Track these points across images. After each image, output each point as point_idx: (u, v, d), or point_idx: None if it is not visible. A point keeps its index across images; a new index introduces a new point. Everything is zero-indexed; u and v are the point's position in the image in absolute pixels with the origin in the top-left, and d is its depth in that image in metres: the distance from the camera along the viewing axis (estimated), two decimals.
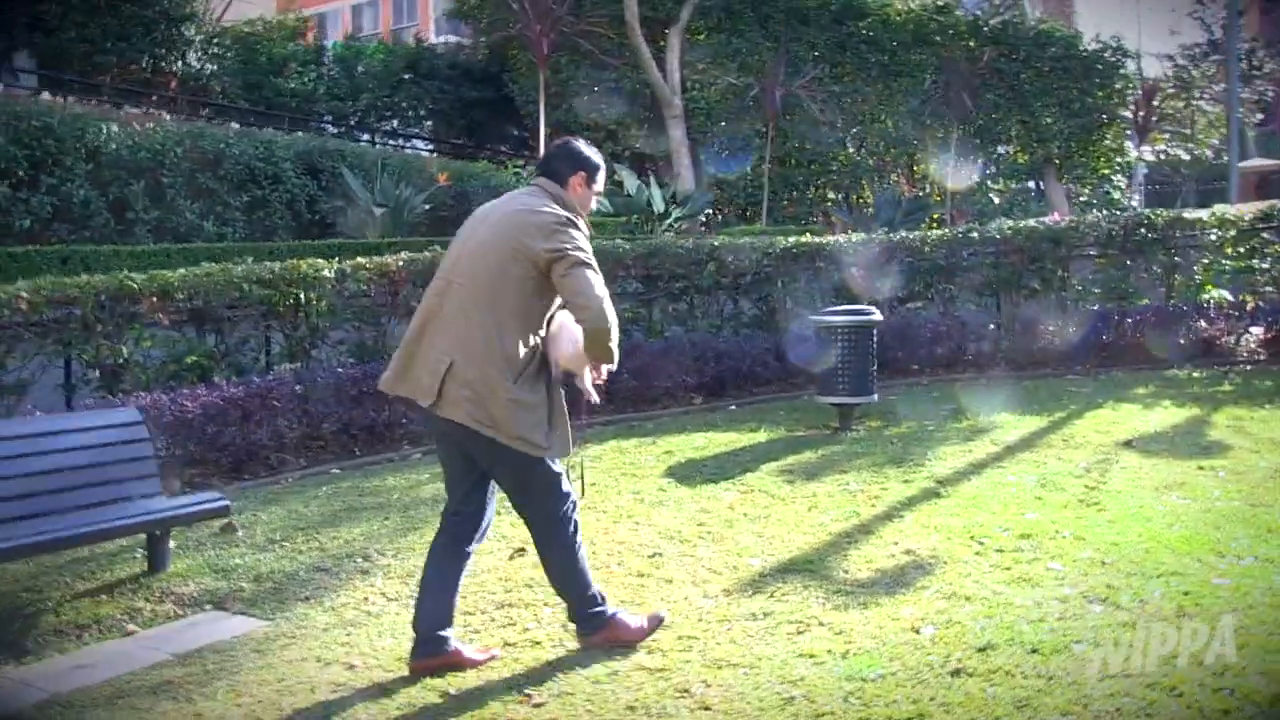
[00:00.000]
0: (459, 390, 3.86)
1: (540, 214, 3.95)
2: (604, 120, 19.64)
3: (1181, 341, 11.30)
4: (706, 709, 3.70)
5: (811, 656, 4.04)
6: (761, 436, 8.37)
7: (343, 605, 5.04)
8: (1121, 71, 19.67)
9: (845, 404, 8.48)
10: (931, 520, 5.79)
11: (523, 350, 3.92)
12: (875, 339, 8.50)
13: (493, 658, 4.23)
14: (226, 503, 5.73)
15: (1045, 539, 5.36)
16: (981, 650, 3.98)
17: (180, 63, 20.08)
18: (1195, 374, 10.53)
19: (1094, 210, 15.52)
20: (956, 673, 3.81)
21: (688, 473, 7.22)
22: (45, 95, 15.13)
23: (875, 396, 8.58)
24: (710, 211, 18.48)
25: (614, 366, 4.15)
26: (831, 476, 6.90)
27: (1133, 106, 19.76)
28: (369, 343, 9.09)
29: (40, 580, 5.51)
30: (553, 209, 3.98)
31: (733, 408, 9.86)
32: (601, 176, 4.26)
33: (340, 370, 8.36)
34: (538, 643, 4.39)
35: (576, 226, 3.97)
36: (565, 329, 4.08)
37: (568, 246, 3.86)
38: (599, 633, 4.24)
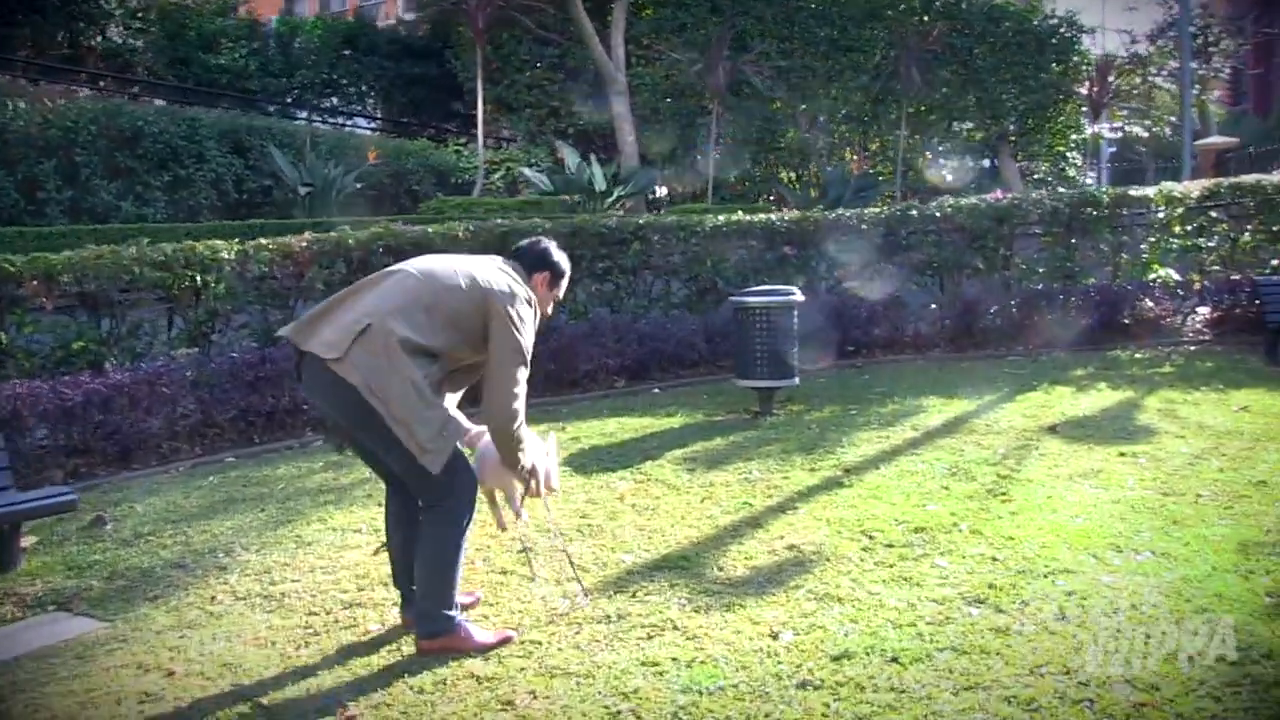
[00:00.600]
0: (364, 354, 3.68)
1: (517, 284, 4.00)
2: (546, 97, 19.13)
3: (1126, 321, 11.05)
4: None
5: (655, 665, 3.73)
6: (676, 422, 8.06)
7: (188, 605, 4.72)
8: (1078, 47, 19.29)
9: (764, 388, 8.17)
10: (826, 512, 5.48)
11: (435, 361, 3.80)
12: (796, 320, 8.18)
13: (476, 600, 4.40)
14: (74, 497, 5.41)
15: (940, 533, 5.06)
16: (837, 659, 3.68)
17: (100, 37, 19.26)
18: (1138, 355, 10.26)
19: (1048, 188, 15.19)
20: (804, 685, 3.51)
21: (587, 461, 6.90)
22: None
23: (796, 380, 8.27)
24: (660, 190, 18.07)
25: (534, 479, 4.18)
26: (735, 465, 6.59)
27: (1087, 83, 19.40)
28: (275, 326, 8.70)
29: None
30: (526, 289, 4.03)
31: (656, 391, 9.54)
32: (564, 283, 4.37)
33: (235, 355, 7.99)
34: (374, 648, 4.08)
35: (534, 316, 4.02)
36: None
37: (520, 332, 3.88)
38: (439, 639, 3.94)
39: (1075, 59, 19.29)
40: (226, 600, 4.75)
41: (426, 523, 3.96)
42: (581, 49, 18.10)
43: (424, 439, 3.68)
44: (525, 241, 4.35)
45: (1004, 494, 5.69)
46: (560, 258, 4.31)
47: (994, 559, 4.66)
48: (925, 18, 18.64)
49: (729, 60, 17.24)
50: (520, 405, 3.92)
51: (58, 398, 7.03)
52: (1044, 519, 5.22)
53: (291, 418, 8.23)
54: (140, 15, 20.29)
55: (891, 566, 4.63)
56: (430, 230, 9.28)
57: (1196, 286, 11.44)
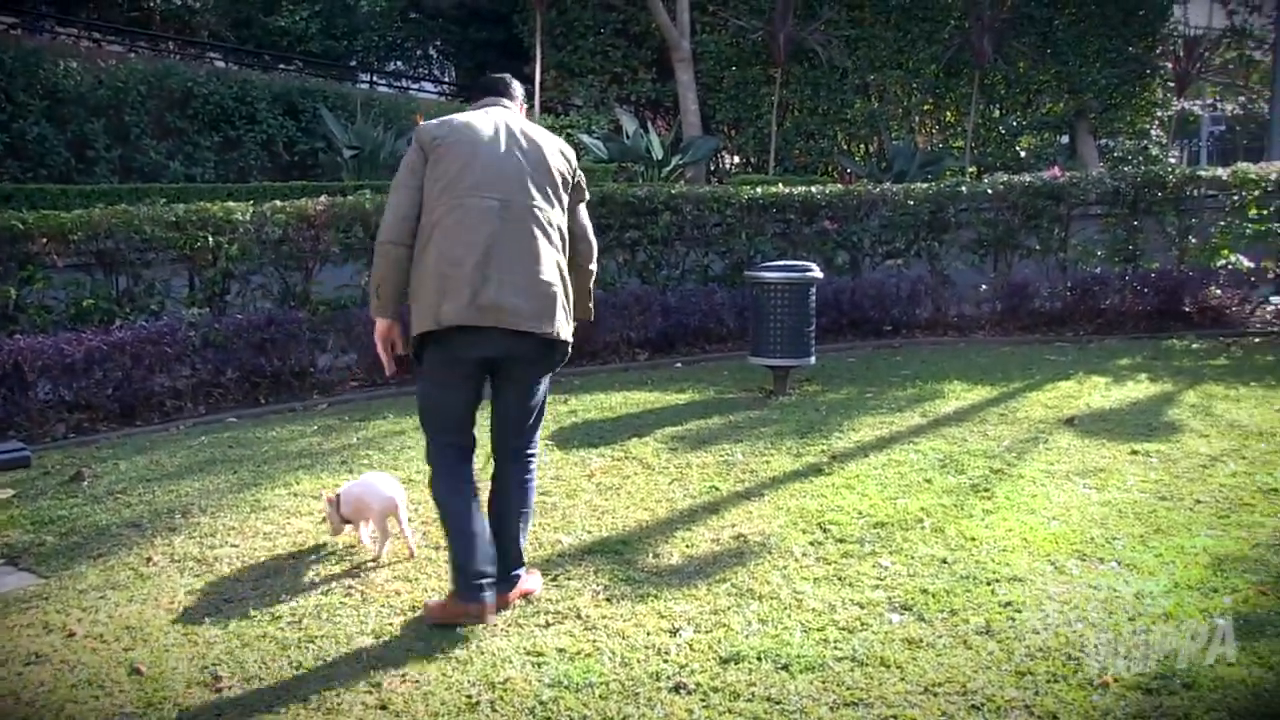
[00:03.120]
0: (561, 311, 3.85)
1: (566, 145, 4.10)
2: (609, 64, 18.81)
3: (1188, 309, 10.43)
4: (384, 708, 3.25)
5: (538, 655, 3.56)
6: (682, 398, 7.83)
7: (123, 565, 4.69)
8: (1171, 18, 18.20)
9: (778, 366, 7.89)
10: (790, 501, 5.22)
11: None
12: (813, 298, 7.86)
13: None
14: (27, 453, 5.48)
15: (898, 530, 4.77)
16: (725, 662, 3.45)
17: None
18: (1194, 345, 9.66)
19: (1130, 165, 14.40)
20: (678, 688, 3.29)
21: (573, 436, 6.74)
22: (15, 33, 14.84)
23: (812, 359, 7.96)
24: (721, 161, 17.64)
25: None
26: (721, 446, 6.35)
27: (1174, 57, 18.28)
28: (295, 288, 8.70)
29: None
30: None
31: (678, 365, 9.30)
32: None
33: (240, 316, 7.98)
34: (277, 619, 3.98)
35: None
36: (371, 487, 4.53)
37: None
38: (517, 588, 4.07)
39: (1165, 30, 18.22)
40: (161, 562, 4.71)
41: (527, 471, 4.11)
42: (645, 15, 17.75)
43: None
44: (505, 76, 4.29)
45: (987, 490, 5.36)
46: None
47: (943, 561, 4.36)
48: None
49: (795, 28, 16.73)
50: None
51: (59, 354, 7.10)
52: (1018, 520, 4.88)
53: (298, 380, 8.22)
54: None
55: (831, 564, 4.36)
56: None
57: (1270, 274, 10.74)
